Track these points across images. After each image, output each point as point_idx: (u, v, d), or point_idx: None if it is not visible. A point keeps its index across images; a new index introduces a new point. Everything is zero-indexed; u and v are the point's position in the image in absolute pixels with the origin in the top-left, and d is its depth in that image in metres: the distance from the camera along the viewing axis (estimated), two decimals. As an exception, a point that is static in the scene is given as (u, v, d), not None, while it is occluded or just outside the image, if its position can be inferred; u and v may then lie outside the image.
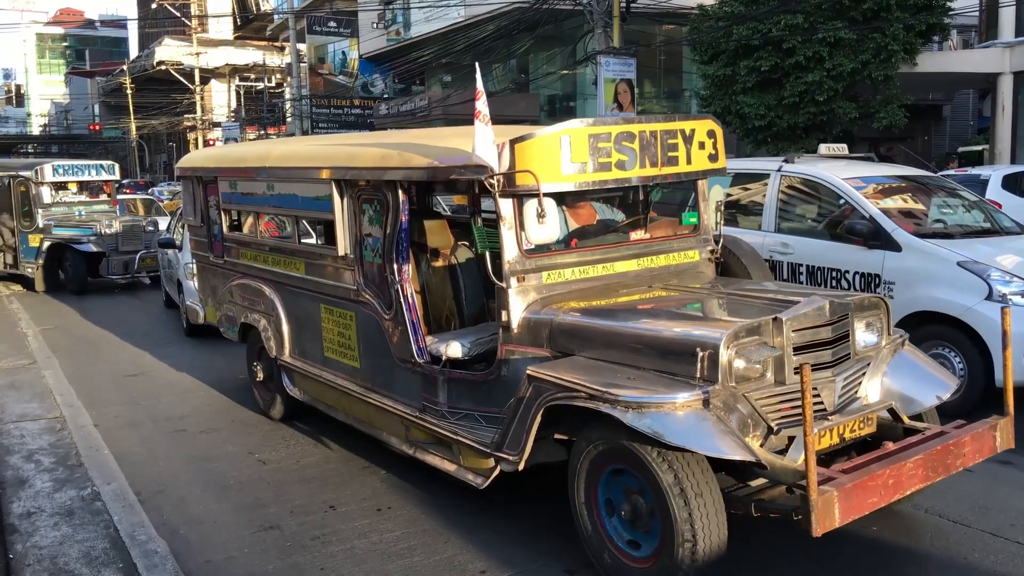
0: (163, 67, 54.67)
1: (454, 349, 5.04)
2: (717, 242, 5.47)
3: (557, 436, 4.44)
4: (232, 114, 54.60)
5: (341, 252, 5.70)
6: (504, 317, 4.59)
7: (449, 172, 4.88)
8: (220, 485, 5.79)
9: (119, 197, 17.75)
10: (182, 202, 8.80)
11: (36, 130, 76.83)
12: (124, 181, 32.84)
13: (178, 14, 55.41)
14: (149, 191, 32.87)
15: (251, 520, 5.18)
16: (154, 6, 57.48)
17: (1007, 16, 19.35)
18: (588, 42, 21.72)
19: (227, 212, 7.34)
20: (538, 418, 4.16)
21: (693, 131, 5.01)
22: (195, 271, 8.40)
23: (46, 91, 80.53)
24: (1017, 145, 19.12)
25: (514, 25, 25.88)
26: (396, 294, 5.23)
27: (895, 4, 15.91)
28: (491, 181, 4.47)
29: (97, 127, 62.33)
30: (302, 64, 41.00)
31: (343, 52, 40.78)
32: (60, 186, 15.80)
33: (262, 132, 50.32)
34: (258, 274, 6.91)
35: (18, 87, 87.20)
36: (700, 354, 3.80)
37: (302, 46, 41.06)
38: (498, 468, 4.48)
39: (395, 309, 5.27)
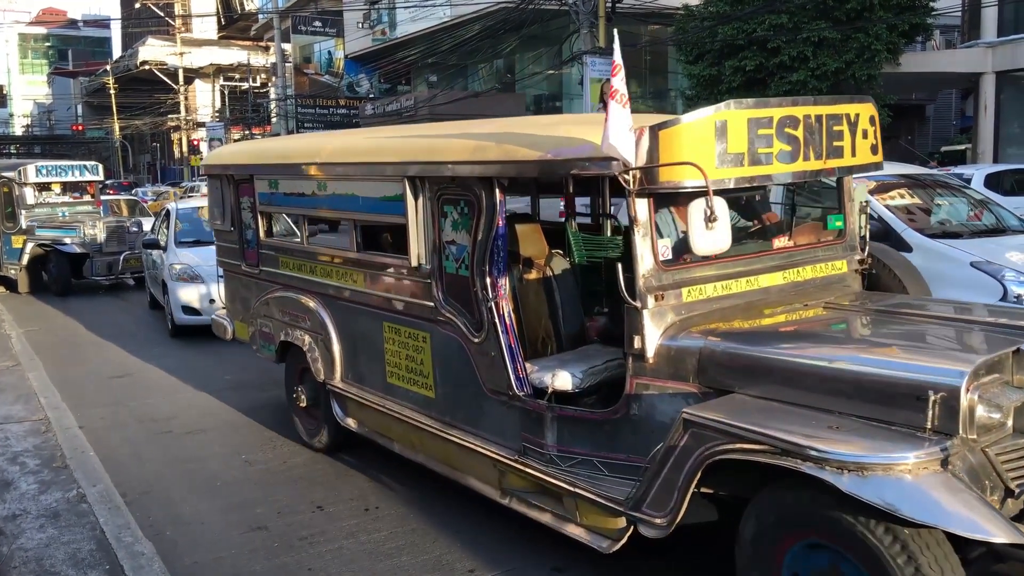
0: (147, 67, 54.40)
1: (563, 380, 4.27)
2: (864, 250, 4.73)
3: (706, 490, 3.64)
4: (216, 114, 54.35)
5: (414, 262, 4.89)
6: (637, 344, 3.80)
7: (568, 166, 4.05)
8: (207, 486, 5.77)
9: (103, 198, 17.64)
10: (208, 203, 7.87)
11: (18, 130, 76.28)
12: (108, 182, 32.65)
13: (162, 14, 55.14)
14: (133, 192, 32.68)
15: (238, 521, 5.16)
16: (137, 6, 57.19)
17: (989, 16, 19.51)
18: (574, 42, 21.74)
19: (264, 215, 6.57)
20: (698, 474, 3.39)
21: (857, 116, 4.28)
22: (222, 281, 7.56)
23: (28, 91, 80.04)
24: (999, 144, 19.29)
25: (500, 25, 25.89)
26: (489, 313, 4.41)
27: (878, 4, 16.04)
28: (626, 177, 3.69)
29: (80, 127, 61.95)
30: (287, 64, 40.86)
31: (329, 52, 40.67)
32: (43, 187, 15.70)
33: (247, 132, 50.17)
34: (303, 286, 6.08)
35: (0, 87, 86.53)
36: (932, 398, 3.05)
37: (287, 46, 40.92)
38: (631, 529, 3.76)
39: (487, 331, 4.44)
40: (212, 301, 10.36)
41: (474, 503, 5.02)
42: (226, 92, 56.12)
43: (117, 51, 73.16)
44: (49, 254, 14.99)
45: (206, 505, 5.45)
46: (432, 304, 4.84)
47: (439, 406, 4.96)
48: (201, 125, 53.70)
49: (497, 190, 4.32)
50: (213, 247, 11.83)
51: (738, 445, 3.25)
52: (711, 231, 3.62)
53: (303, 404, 6.29)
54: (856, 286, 4.65)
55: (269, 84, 50.52)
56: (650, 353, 3.81)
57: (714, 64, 17.47)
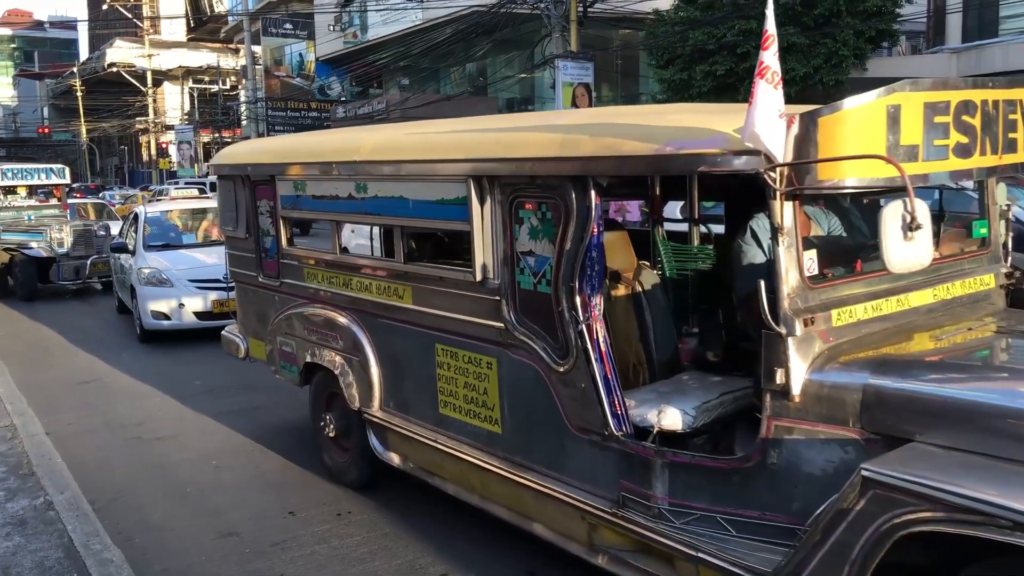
0: (114, 69, 53.85)
1: (672, 419, 3.67)
2: (1006, 260, 4.16)
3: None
4: (186, 117, 53.91)
5: (478, 276, 4.24)
6: (779, 378, 3.16)
7: (694, 162, 3.36)
8: (177, 492, 5.71)
9: (70, 201, 17.42)
10: (218, 208, 7.11)
11: (-17, 133, 75.11)
12: (75, 185, 32.26)
13: (130, 15, 54.59)
14: (100, 195, 32.31)
15: (209, 527, 5.12)
16: (105, 7, 56.60)
17: (954, 23, 19.82)
18: (546, 46, 21.81)
19: (287, 221, 5.90)
20: (884, 547, 2.73)
21: None
22: (235, 294, 6.86)
23: (-7, 93, 78.78)
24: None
25: (472, 29, 25.91)
26: (578, 337, 3.76)
27: (846, 10, 16.27)
28: (771, 174, 3.07)
29: (46, 130, 61.21)
30: (257, 66, 40.63)
31: (300, 54, 40.51)
32: (9, 190, 15.51)
33: (216, 135, 49.79)
34: (334, 301, 5.39)
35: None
36: None
37: (257, 48, 40.71)
38: None
39: (575, 358, 3.79)
40: (181, 305, 10.32)
41: (445, 506, 5.02)
42: (195, 95, 55.69)
43: (84, 53, 72.42)
44: (14, 259, 14.77)
45: (176, 511, 5.39)
46: (501, 325, 4.17)
47: (507, 443, 4.27)
48: (170, 128, 53.26)
49: (592, 191, 3.67)
50: (182, 251, 11.43)
51: (943, 515, 2.57)
52: (911, 242, 2.97)
53: (332, 434, 5.59)
54: (1001, 303, 4.06)
55: (239, 87, 50.21)
56: (796, 390, 3.16)
57: (685, 69, 17.60)
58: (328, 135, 7.50)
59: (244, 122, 44.43)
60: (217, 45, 54.33)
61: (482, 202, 4.20)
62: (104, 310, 13.55)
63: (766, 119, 2.97)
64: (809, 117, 3.08)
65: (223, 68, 51.45)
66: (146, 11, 56.85)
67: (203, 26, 56.78)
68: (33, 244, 14.61)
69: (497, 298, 4.19)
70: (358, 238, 6.64)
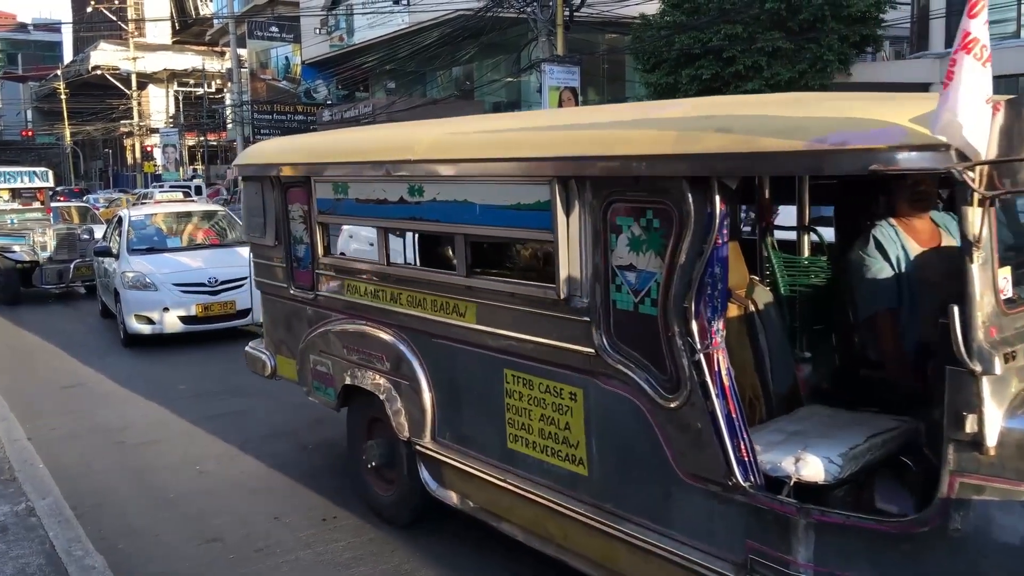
0: (99, 72, 53.62)
1: (814, 468, 3.06)
2: None
3: None
4: (170, 120, 53.69)
5: (563, 293, 3.68)
6: (970, 425, 2.62)
7: (864, 160, 2.73)
8: (161, 497, 5.67)
9: (53, 205, 17.30)
10: (243, 211, 6.48)
11: (-35, 136, 74.58)
12: (58, 188, 32.07)
13: (114, 18, 54.34)
14: (84, 198, 32.13)
15: (193, 533, 5.08)
16: (89, 10, 56.28)
17: (937, 28, 19.98)
18: (532, 50, 21.84)
19: (324, 227, 5.36)
20: None
21: None
22: (261, 306, 6.35)
23: (-24, 96, 78.23)
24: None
25: (458, 32, 25.91)
26: (694, 368, 3.19)
27: (830, 16, 16.39)
28: (970, 174, 2.57)
29: (30, 133, 60.84)
30: (243, 69, 40.51)
31: (286, 57, 40.42)
32: (-9, 193, 15.36)
33: (201, 138, 49.61)
34: (380, 318, 4.82)
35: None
36: None
37: (243, 51, 40.59)
38: None
39: (689, 392, 3.22)
40: (166, 310, 10.22)
41: (431, 512, 5.00)
42: (180, 98, 55.49)
43: (68, 55, 72.02)
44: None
45: (160, 517, 5.35)
46: (590, 351, 3.59)
47: (596, 488, 3.69)
48: (155, 131, 53.05)
49: (717, 195, 3.09)
50: (167, 255, 11.14)
51: None
52: None
53: (373, 464, 5.06)
54: None
55: (225, 90, 50.05)
56: (991, 440, 2.61)
57: (671, 73, 17.67)
58: (372, 131, 6.90)
59: (230, 125, 44.27)
60: (202, 48, 54.16)
61: (569, 207, 3.62)
62: (87, 314, 13.46)
63: (970, 105, 2.38)
64: (1013, 105, 2.57)
65: (208, 71, 51.30)
66: (131, 13, 56.60)
67: (188, 29, 56.60)
68: (16, 248, 14.51)
69: (586, 319, 3.61)
70: (412, 246, 5.95)
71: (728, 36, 16.45)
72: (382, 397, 4.78)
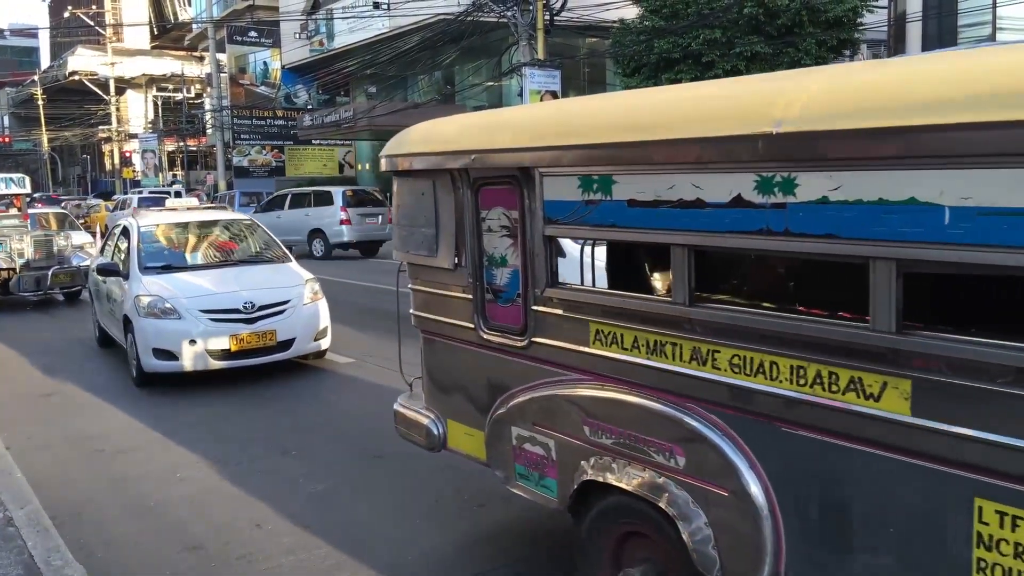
0: (76, 77, 53.28)
1: None
2: None
3: None
4: (149, 125, 53.38)
5: None
6: None
7: None
8: (140, 505, 5.63)
9: (30, 211, 17.14)
10: (396, 218, 4.83)
11: (-59, 142, 73.87)
12: (36, 195, 31.79)
13: (92, 23, 53.99)
14: (62, 205, 31.91)
15: (173, 541, 5.04)
16: (66, 15, 55.90)
17: (914, 32, 20.17)
18: (513, 54, 21.89)
19: (553, 242, 3.74)
20: None
21: None
22: (422, 352, 4.75)
23: (-49, 102, 77.49)
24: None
25: (439, 37, 25.94)
26: None
27: (808, 20, 16.53)
28: None
29: (6, 139, 60.27)
30: (222, 74, 40.34)
31: (265, 62, 40.29)
32: (-33, 200, 15.21)
33: (181, 143, 49.35)
34: (665, 386, 3.23)
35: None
36: None
37: (222, 56, 40.42)
38: None
39: None
40: (192, 342, 8.33)
41: (411, 517, 5.00)
42: (159, 103, 55.18)
43: (45, 61, 71.47)
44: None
45: (139, 525, 5.31)
46: None
47: None
48: (133, 136, 52.72)
49: None
50: (188, 274, 9.05)
51: None
52: None
53: None
54: None
55: (204, 95, 49.81)
56: None
57: (651, 77, 17.76)
58: (651, 93, 4.44)
59: (209, 131, 44.06)
60: (181, 53, 53.90)
61: None
62: (65, 321, 13.35)
63: None
64: None
65: (187, 76, 51.04)
66: (109, 18, 56.23)
67: (167, 34, 56.33)
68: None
69: None
70: (743, 277, 4.00)
71: (707, 41, 16.56)
72: (670, 510, 3.22)
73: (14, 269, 14.27)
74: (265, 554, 4.79)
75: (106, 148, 58.46)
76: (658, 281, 3.92)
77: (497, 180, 3.94)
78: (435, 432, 4.65)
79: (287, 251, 10.26)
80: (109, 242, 10.94)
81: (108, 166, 59.49)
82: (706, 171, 2.96)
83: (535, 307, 3.81)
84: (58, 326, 13.19)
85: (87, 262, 15.04)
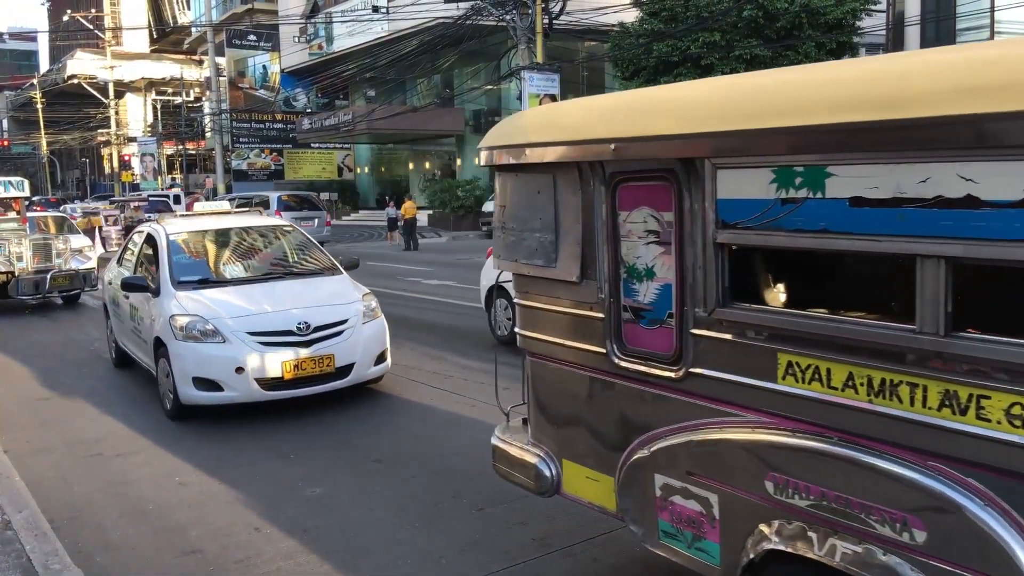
0: (75, 81, 53.32)
1: None
2: None
3: None
4: (148, 128, 53.40)
5: None
6: None
7: None
8: (139, 509, 5.61)
9: (28, 215, 17.13)
10: (503, 220, 4.05)
11: (-60, 145, 73.87)
12: (35, 198, 31.80)
13: (91, 26, 54.05)
14: (61, 208, 31.92)
15: (172, 545, 5.03)
16: (66, 18, 55.95)
17: (912, 35, 20.21)
18: (512, 57, 21.91)
19: (729, 251, 3.02)
20: None
21: None
22: (529, 378, 4.07)
23: (-50, 105, 77.52)
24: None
25: (438, 40, 25.97)
26: None
27: (807, 23, 16.56)
28: None
29: (5, 143, 60.29)
30: (221, 78, 40.36)
31: (264, 66, 40.33)
32: (-34, 204, 15.20)
33: (180, 147, 49.40)
34: (897, 439, 2.56)
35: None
36: None
37: (221, 60, 40.46)
38: None
39: None
40: (239, 370, 7.15)
41: (410, 519, 4.98)
42: (158, 106, 55.21)
43: (45, 64, 71.53)
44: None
45: (138, 529, 5.29)
46: None
47: None
48: (132, 140, 52.74)
49: None
50: (229, 289, 7.84)
51: None
52: None
53: None
54: None
55: (203, 98, 49.85)
56: None
57: (650, 80, 17.78)
58: (878, 62, 2.97)
59: (208, 134, 44.08)
60: (180, 56, 53.96)
61: None
62: (64, 325, 13.34)
63: None
64: None
65: (186, 79, 51.07)
66: (108, 22, 56.26)
67: (166, 37, 56.39)
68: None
69: None
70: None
71: (706, 44, 16.57)
72: None
73: (12, 272, 14.26)
74: (263, 558, 4.78)
75: (105, 152, 58.51)
76: (871, 302, 2.96)
77: (644, 175, 3.27)
78: (547, 474, 3.95)
79: (335, 261, 8.89)
80: (128, 253, 9.65)
81: (107, 170, 59.50)
82: (986, 158, 2.25)
83: (696, 330, 3.12)
84: (57, 329, 13.17)
85: (86, 265, 15.05)
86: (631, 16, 19.35)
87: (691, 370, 3.15)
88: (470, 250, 23.78)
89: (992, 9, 18.82)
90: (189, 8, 53.58)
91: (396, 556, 4.72)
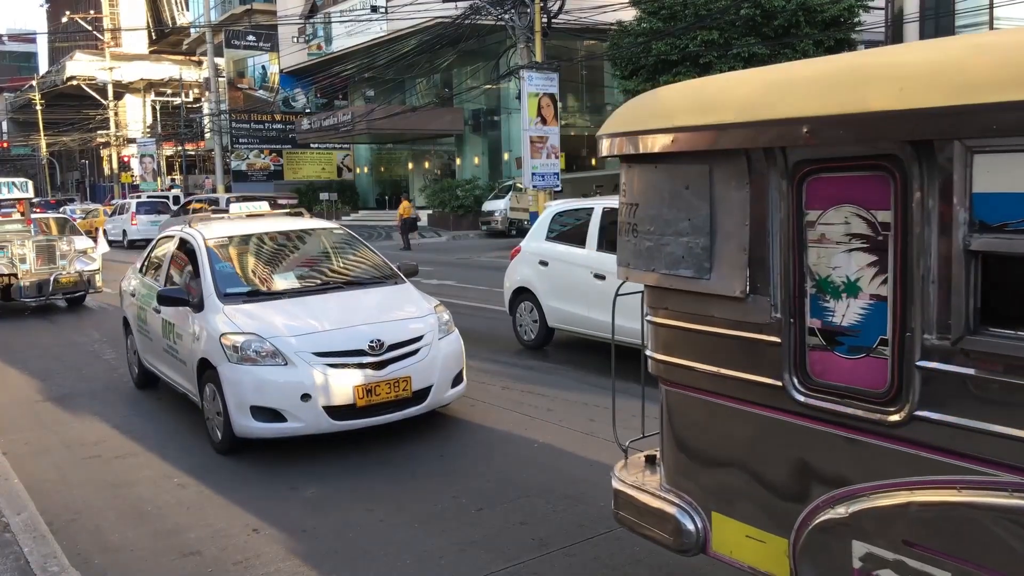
0: (75, 82, 53.33)
1: None
2: None
3: None
4: (148, 130, 53.42)
5: None
6: None
7: None
8: (137, 511, 5.61)
9: (32, 216, 17.11)
10: (630, 220, 3.39)
11: (-61, 148, 73.89)
12: (35, 200, 31.84)
13: (90, 28, 54.08)
14: (61, 210, 31.95)
15: (170, 546, 5.02)
16: (65, 20, 55.96)
17: (911, 32, 20.19)
18: (511, 57, 21.91)
19: (984, 260, 2.32)
20: None
21: None
22: (666, 412, 3.44)
23: (-50, 107, 77.55)
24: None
25: (437, 40, 25.96)
26: None
27: (805, 21, 16.56)
28: None
29: (5, 144, 60.31)
30: (220, 79, 40.36)
31: (263, 66, 40.33)
32: (-32, 206, 15.19)
33: (179, 148, 49.39)
34: None
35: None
36: None
37: (220, 60, 40.45)
38: None
39: None
40: (306, 397, 6.15)
41: (410, 519, 4.98)
42: (158, 107, 55.22)
43: (44, 66, 71.55)
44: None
45: (136, 531, 5.29)
46: None
47: None
48: (132, 141, 52.76)
49: None
50: (283, 303, 6.81)
51: None
52: None
53: None
54: None
55: (202, 99, 49.87)
56: None
57: (649, 79, 17.78)
58: None
59: (207, 135, 44.09)
60: (179, 57, 53.96)
61: None
62: (65, 327, 13.34)
63: None
64: None
65: (185, 80, 51.08)
66: (107, 23, 56.26)
67: (165, 38, 56.38)
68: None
69: None
70: None
71: (704, 42, 16.57)
72: None
73: (16, 274, 14.26)
74: (263, 559, 4.77)
75: (104, 153, 58.51)
76: None
77: (848, 163, 2.61)
78: (690, 528, 3.26)
79: (395, 268, 7.86)
80: (157, 265, 8.45)
81: (106, 171, 59.51)
82: None
83: (926, 362, 2.46)
84: (58, 332, 13.17)
85: (90, 267, 15.04)
86: (629, 15, 19.34)
87: (917, 413, 2.49)
88: (470, 250, 23.78)
89: (991, 6, 18.82)
90: (188, 9, 53.58)
91: (396, 556, 4.71)
